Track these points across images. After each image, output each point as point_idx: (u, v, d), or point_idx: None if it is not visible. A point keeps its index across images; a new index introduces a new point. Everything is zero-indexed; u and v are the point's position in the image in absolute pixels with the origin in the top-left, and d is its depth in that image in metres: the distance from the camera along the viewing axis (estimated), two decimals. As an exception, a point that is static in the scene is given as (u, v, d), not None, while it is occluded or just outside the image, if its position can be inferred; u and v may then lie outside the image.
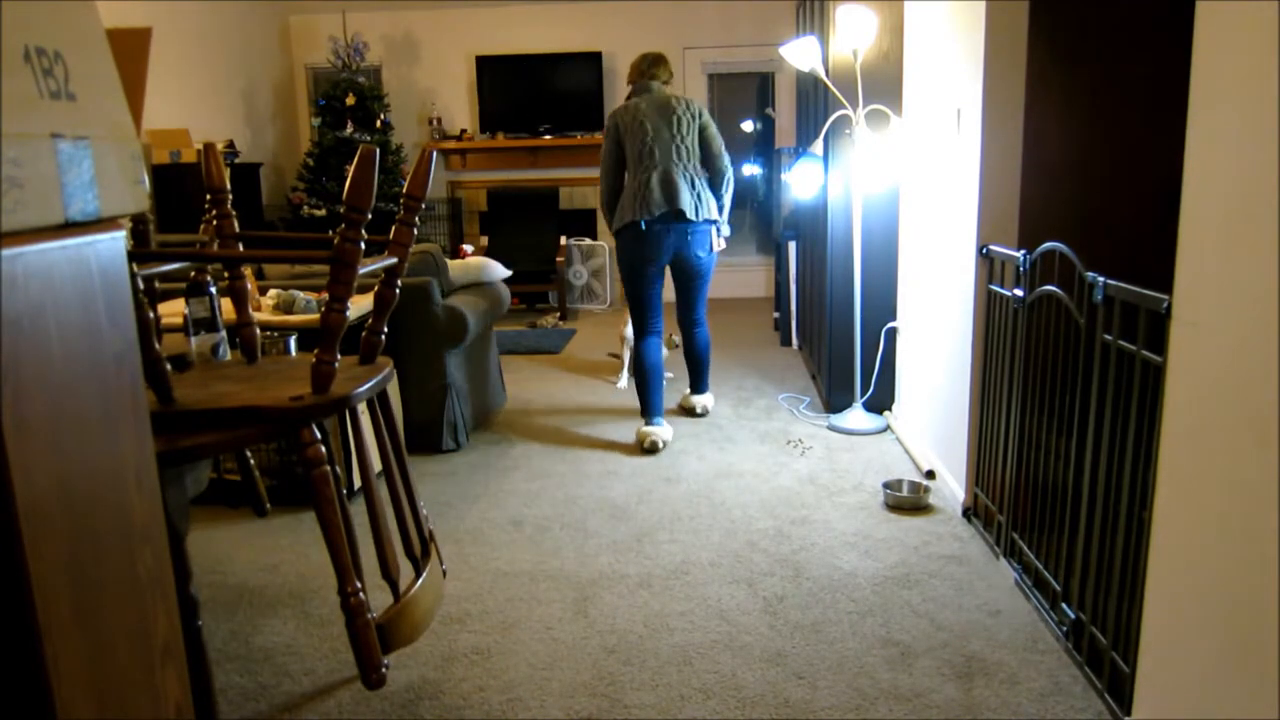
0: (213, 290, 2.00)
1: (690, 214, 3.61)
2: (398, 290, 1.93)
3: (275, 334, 2.45)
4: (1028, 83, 2.63)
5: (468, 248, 6.83)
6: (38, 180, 0.75)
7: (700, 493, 3.16)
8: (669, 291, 3.85)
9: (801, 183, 4.02)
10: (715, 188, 3.74)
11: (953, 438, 3.01)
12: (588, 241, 7.35)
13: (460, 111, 7.72)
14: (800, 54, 3.88)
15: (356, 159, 1.60)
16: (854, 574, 2.51)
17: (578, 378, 4.99)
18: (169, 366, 1.60)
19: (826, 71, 3.89)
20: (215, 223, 2.01)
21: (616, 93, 7.38)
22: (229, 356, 2.05)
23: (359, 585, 1.69)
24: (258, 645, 2.21)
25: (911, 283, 3.60)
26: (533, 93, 7.51)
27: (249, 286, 2.07)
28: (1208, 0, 1.45)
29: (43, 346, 0.76)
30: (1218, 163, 1.43)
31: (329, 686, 2.04)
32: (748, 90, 7.89)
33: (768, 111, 7.66)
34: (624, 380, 4.77)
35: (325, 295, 1.65)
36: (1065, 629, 2.08)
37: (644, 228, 3.63)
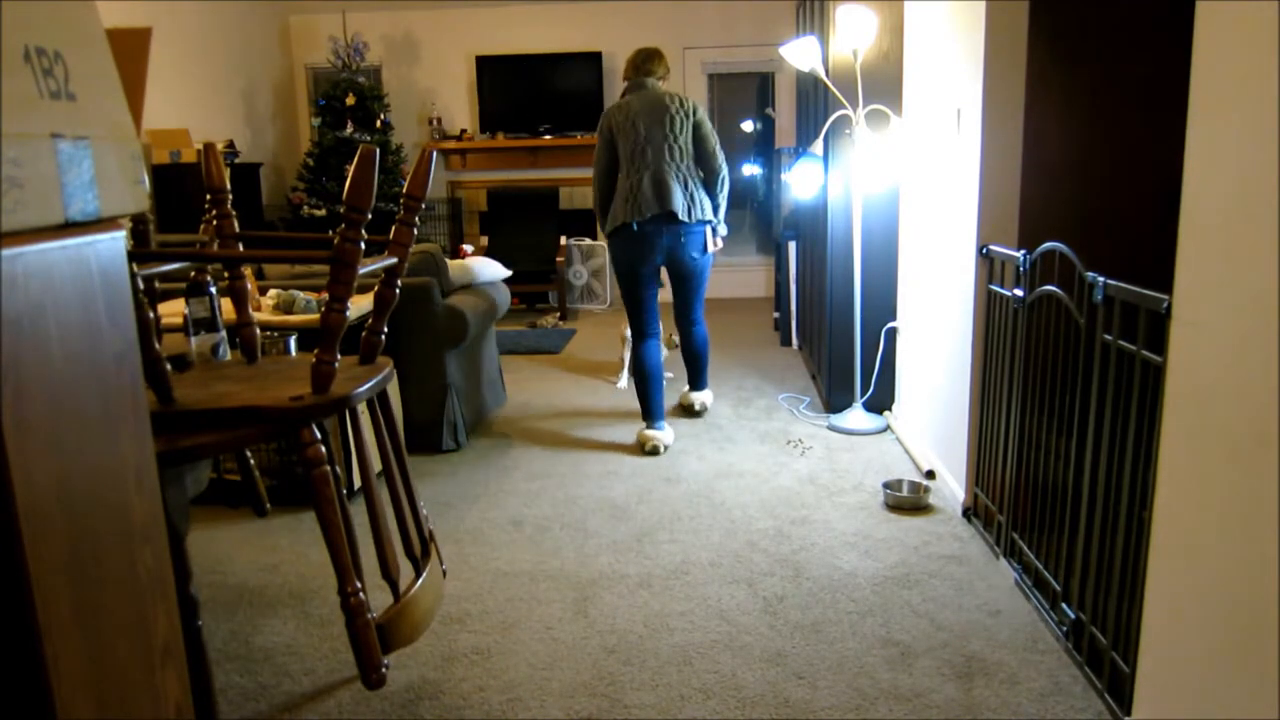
0: (213, 290, 1.99)
1: (683, 215, 3.55)
2: (398, 290, 1.93)
3: (275, 334, 2.45)
4: (1028, 83, 2.63)
5: (468, 248, 6.83)
6: (38, 180, 0.75)
7: (700, 493, 3.16)
8: (666, 292, 3.84)
9: (801, 183, 4.02)
10: (710, 188, 3.66)
11: (953, 438, 3.01)
12: (588, 241, 7.35)
13: (460, 111, 7.72)
14: (800, 54, 3.87)
15: (356, 159, 1.60)
16: (854, 574, 2.51)
17: (578, 378, 4.99)
18: (169, 366, 1.60)
19: (826, 71, 3.89)
20: (215, 223, 2.02)
21: (616, 92, 7.29)
22: (229, 356, 2.05)
23: (359, 585, 1.69)
24: (258, 645, 2.21)
25: (911, 283, 3.60)
26: (533, 93, 7.51)
27: (249, 286, 2.07)
28: (1208, 0, 1.45)
29: (43, 346, 0.76)
30: (1218, 163, 1.43)
31: (329, 686, 2.04)
32: (748, 90, 7.89)
33: (768, 111, 7.66)
34: (624, 380, 4.77)
35: (325, 295, 1.65)
36: (1065, 629, 2.08)
37: (636, 230, 3.57)
